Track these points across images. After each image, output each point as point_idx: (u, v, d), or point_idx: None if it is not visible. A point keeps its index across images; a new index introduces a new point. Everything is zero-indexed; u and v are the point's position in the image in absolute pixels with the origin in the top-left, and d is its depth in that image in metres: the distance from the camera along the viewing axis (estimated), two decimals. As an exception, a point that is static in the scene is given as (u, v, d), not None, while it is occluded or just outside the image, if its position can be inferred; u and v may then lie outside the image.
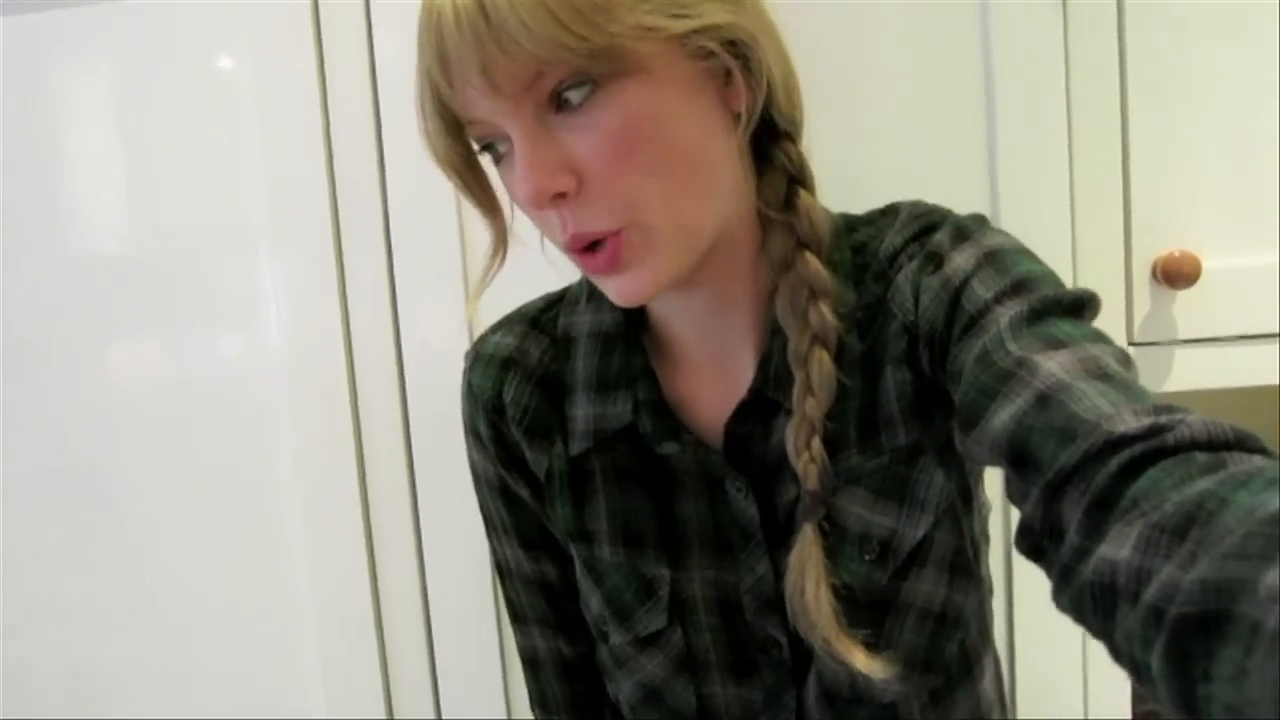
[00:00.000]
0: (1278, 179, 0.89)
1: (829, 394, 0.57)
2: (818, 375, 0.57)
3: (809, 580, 0.56)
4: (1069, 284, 0.55)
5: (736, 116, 0.55)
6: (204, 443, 0.98)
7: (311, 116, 0.93)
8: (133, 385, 1.00)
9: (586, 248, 0.55)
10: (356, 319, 0.95)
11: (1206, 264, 0.88)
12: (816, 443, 0.57)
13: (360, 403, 0.96)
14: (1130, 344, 0.90)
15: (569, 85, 0.51)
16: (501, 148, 0.55)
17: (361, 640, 0.97)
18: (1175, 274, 0.88)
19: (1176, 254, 0.88)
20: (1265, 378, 0.89)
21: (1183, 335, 0.90)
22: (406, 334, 0.95)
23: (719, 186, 0.56)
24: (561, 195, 0.53)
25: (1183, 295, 0.89)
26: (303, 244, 0.94)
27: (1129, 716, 0.94)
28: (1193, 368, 0.90)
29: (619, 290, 0.56)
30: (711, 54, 0.53)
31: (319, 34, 0.92)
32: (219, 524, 0.99)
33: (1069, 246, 0.87)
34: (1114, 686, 0.93)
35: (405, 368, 0.95)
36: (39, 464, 1.01)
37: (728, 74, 0.54)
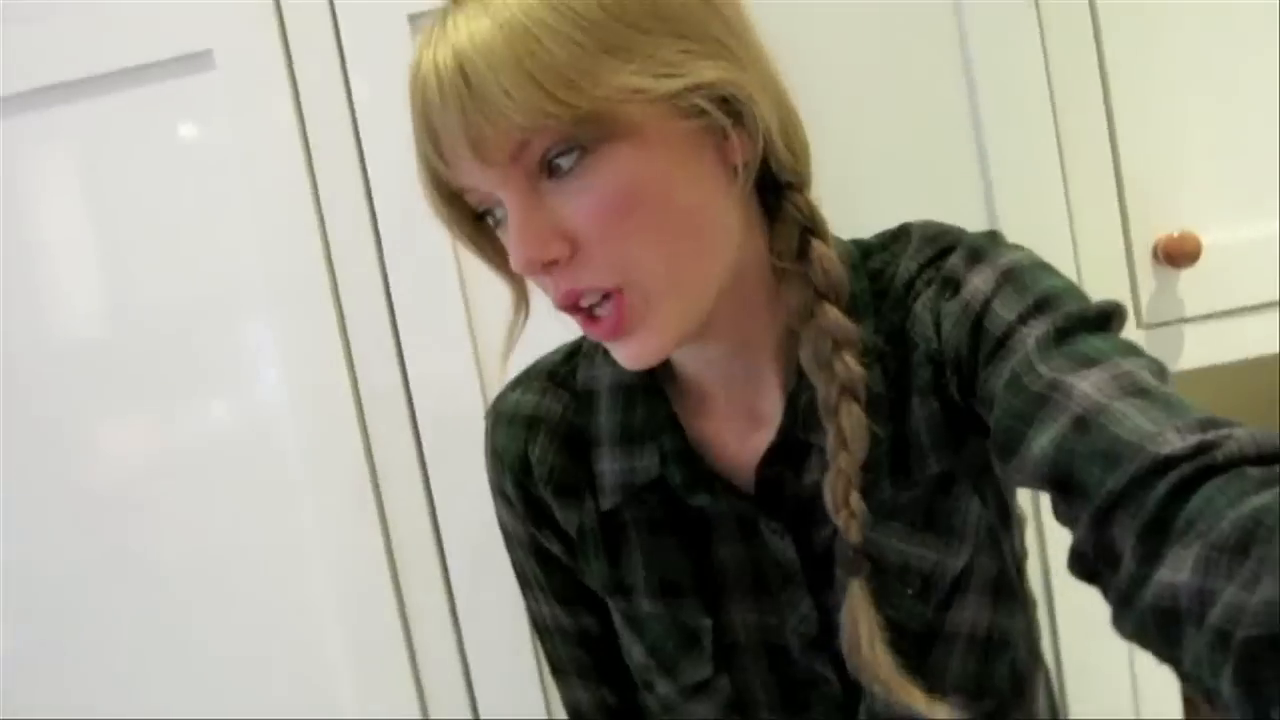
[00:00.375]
0: (1275, 150, 0.89)
1: (863, 447, 0.56)
2: (850, 428, 0.55)
3: (863, 635, 0.56)
4: (1073, 277, 0.54)
5: (736, 170, 0.54)
6: (221, 513, 0.98)
7: (295, 167, 0.92)
8: (143, 462, 0.98)
9: (589, 316, 0.54)
10: (362, 367, 0.94)
11: (1206, 240, 0.88)
12: (855, 497, 0.56)
13: (373, 447, 0.95)
14: (1139, 327, 0.90)
15: (558, 152, 0.51)
16: (499, 213, 0.54)
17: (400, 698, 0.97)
18: (1177, 254, 0.89)
19: (1175, 234, 0.89)
20: (1276, 346, 0.89)
21: (1190, 313, 0.91)
22: (414, 375, 0.94)
23: (719, 244, 0.55)
24: (554, 262, 0.52)
25: (1186, 274, 0.90)
26: (300, 294, 0.93)
27: (1180, 709, 0.93)
28: (1204, 344, 0.91)
29: (627, 355, 0.56)
30: (704, 111, 0.52)
31: (294, 80, 0.91)
32: (244, 592, 0.98)
33: (1069, 240, 0.88)
34: (1164, 684, 0.92)
35: (417, 415, 0.94)
36: (49, 552, 0.99)
37: (724, 129, 0.53)
